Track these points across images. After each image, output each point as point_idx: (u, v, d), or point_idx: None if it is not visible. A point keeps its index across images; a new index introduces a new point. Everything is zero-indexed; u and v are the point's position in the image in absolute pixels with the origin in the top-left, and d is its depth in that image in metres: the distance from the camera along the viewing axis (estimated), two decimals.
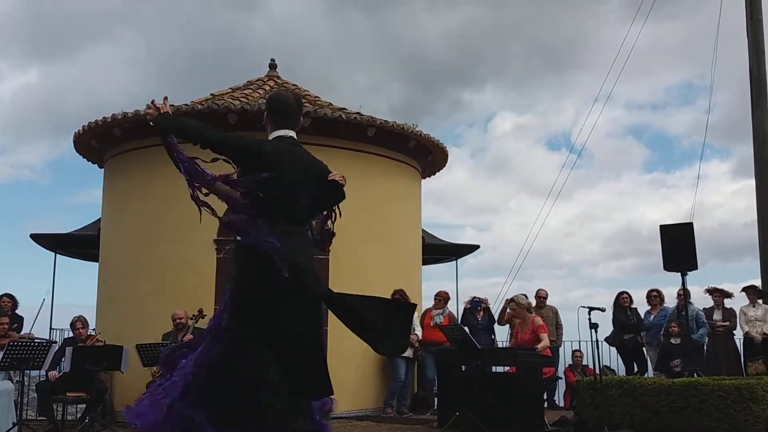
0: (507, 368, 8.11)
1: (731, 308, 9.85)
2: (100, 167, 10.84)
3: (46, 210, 37.56)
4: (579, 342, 10.93)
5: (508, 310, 10.10)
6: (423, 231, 11.59)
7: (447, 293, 10.27)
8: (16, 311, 9.25)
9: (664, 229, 8.91)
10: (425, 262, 11.69)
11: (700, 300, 10.10)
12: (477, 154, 42.94)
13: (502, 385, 7.66)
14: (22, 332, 8.65)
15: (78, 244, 12.32)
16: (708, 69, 32.52)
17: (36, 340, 7.82)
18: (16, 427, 7.07)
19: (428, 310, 10.05)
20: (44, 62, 39.46)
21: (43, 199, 38.68)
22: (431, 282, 29.72)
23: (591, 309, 7.47)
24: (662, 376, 8.57)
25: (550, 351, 8.87)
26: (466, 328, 8.51)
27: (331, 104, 10.36)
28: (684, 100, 38.90)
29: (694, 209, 13.86)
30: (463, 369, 7.63)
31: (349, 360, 8.71)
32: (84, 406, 8.40)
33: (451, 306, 10.76)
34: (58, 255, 12.51)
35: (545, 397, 9.38)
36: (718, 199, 35.40)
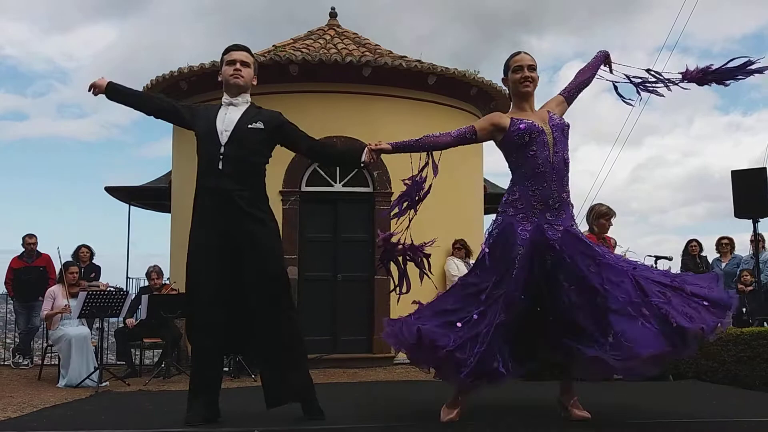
0: None
1: None
2: None
3: (128, 164, 38.85)
4: None
5: None
6: (485, 180, 11.49)
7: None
8: (93, 261, 9.73)
9: (735, 174, 8.62)
10: (487, 211, 11.62)
11: None
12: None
13: None
14: (99, 281, 9.09)
15: (150, 196, 12.72)
16: None
17: (110, 289, 8.19)
18: (98, 370, 7.48)
19: None
20: (117, 18, 40.25)
21: (127, 154, 40.03)
22: None
23: (657, 258, 7.35)
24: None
25: None
26: None
27: (391, 53, 10.27)
28: (760, 48, 36.80)
29: None
30: None
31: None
32: (160, 351, 8.80)
33: None
34: (132, 207, 12.97)
35: None
36: None
